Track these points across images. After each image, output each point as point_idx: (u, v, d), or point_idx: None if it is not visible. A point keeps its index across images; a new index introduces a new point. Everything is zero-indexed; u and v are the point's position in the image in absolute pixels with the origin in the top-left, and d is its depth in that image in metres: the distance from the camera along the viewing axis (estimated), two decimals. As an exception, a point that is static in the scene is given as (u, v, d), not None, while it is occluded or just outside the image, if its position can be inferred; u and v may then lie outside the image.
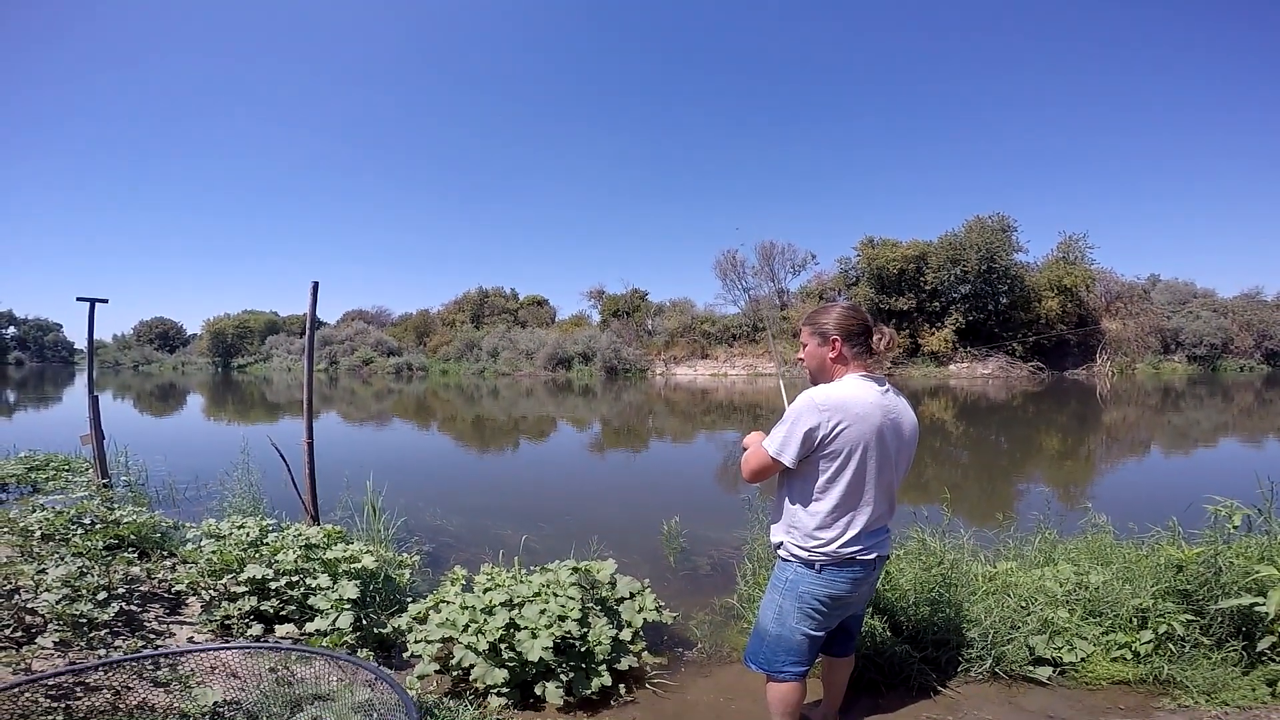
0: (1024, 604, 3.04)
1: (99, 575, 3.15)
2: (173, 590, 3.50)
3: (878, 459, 1.96)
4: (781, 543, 2.10)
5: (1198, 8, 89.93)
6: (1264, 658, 2.66)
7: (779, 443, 1.97)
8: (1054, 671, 2.81)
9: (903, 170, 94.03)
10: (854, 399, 1.94)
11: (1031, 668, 2.80)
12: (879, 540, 2.06)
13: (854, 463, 1.93)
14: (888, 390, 2.02)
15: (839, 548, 1.97)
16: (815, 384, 2.11)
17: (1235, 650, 2.70)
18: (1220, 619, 2.79)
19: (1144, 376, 33.58)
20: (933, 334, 36.02)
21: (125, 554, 3.71)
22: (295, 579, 3.34)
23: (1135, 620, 2.90)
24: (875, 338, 2.06)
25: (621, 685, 2.87)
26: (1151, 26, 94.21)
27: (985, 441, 13.03)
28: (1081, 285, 36.22)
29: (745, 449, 2.18)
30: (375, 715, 1.94)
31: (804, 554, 2.01)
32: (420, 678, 2.78)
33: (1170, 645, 2.76)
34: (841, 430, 1.91)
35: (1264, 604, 2.58)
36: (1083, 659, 2.82)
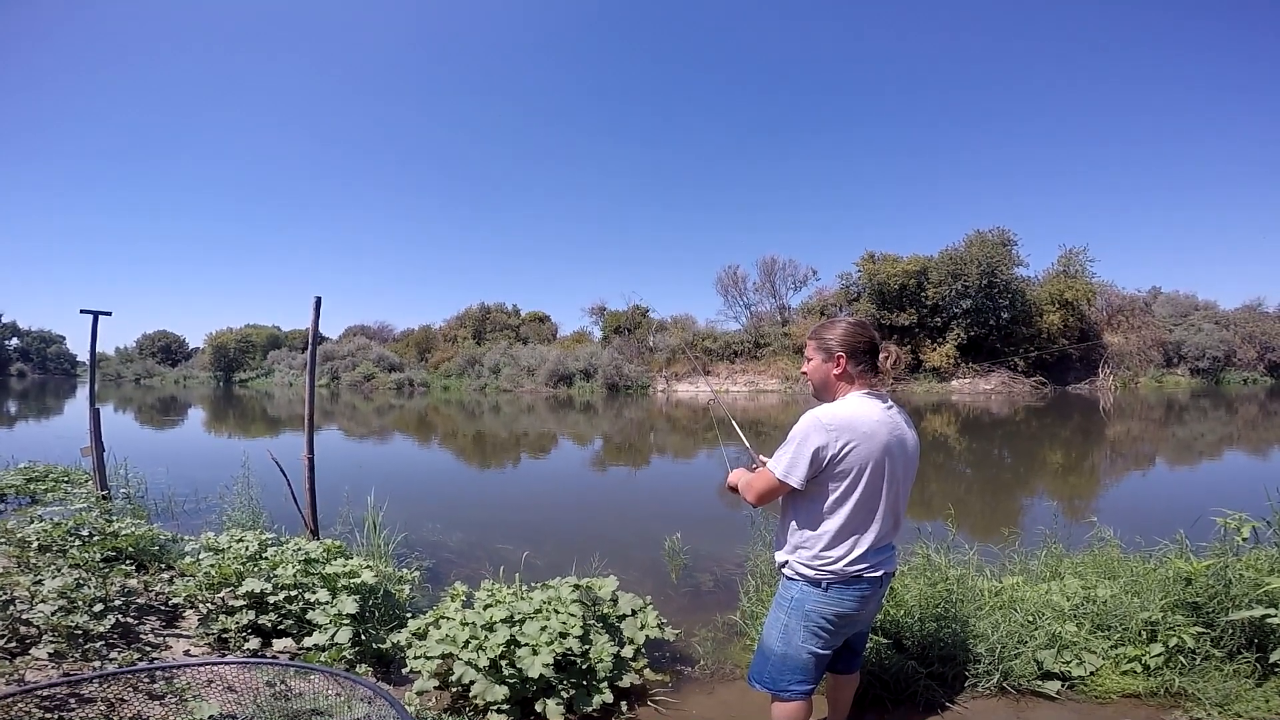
0: (1031, 618, 3.00)
1: (96, 587, 3.12)
2: (170, 603, 3.47)
3: (886, 477, 1.94)
4: (787, 561, 2.07)
5: (1198, 17, 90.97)
6: (1277, 669, 2.62)
7: (786, 464, 1.94)
8: (1063, 685, 2.77)
9: (903, 184, 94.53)
10: (860, 417, 1.92)
11: (1040, 682, 2.76)
12: (885, 557, 2.03)
13: (863, 482, 1.91)
14: (891, 407, 2.01)
15: (846, 566, 1.94)
16: (819, 400, 2.09)
17: (1248, 662, 2.67)
18: (1231, 631, 2.76)
19: (1147, 390, 33.49)
20: (934, 349, 36.00)
21: (123, 566, 3.68)
22: (294, 593, 3.31)
23: (1145, 633, 2.86)
24: (882, 356, 2.04)
25: (623, 702, 2.83)
26: (1151, 37, 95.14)
27: (989, 457, 12.96)
28: (1083, 299, 36.25)
29: (733, 487, 2.19)
30: (373, 730, 1.90)
31: (810, 572, 1.98)
32: (419, 694, 2.75)
33: (1181, 658, 2.72)
34: (850, 449, 1.88)
35: (1276, 615, 2.55)
36: (1092, 673, 2.79)
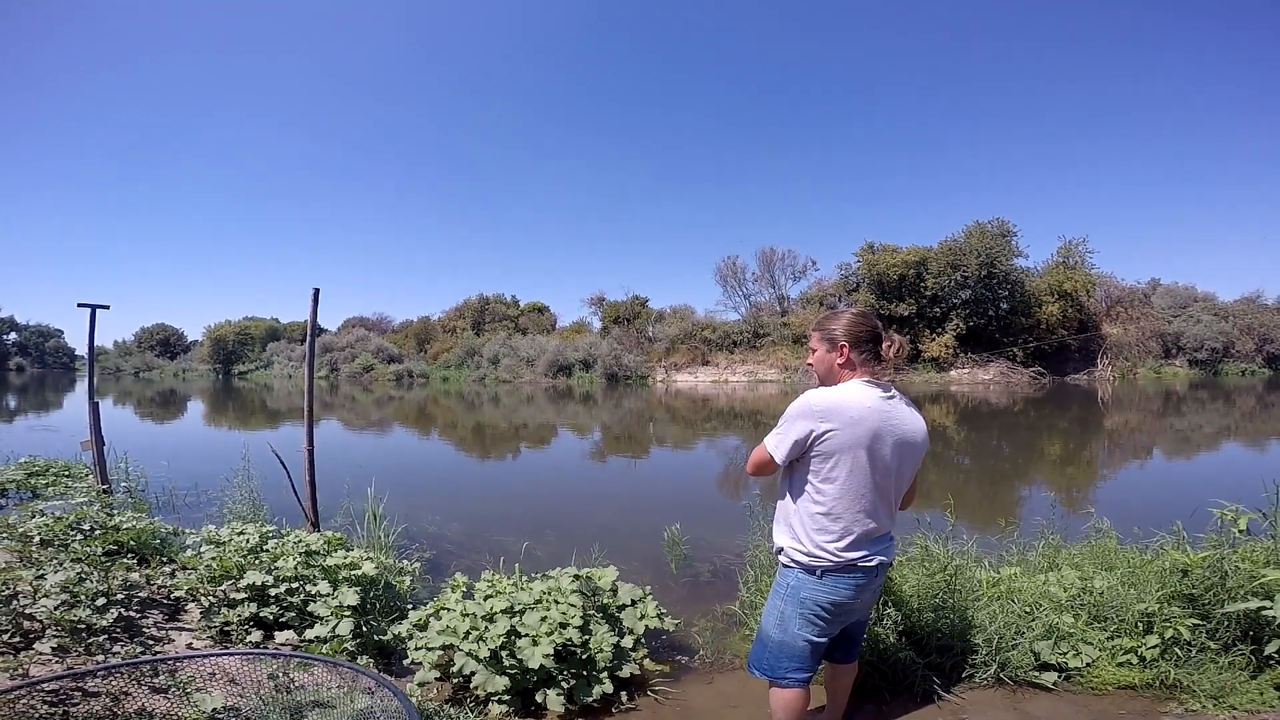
0: (1028, 609, 3.02)
1: (98, 581, 3.13)
2: (172, 596, 3.48)
3: (872, 464, 1.94)
4: (783, 547, 2.09)
5: (1197, 9, 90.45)
6: (1272, 661, 2.64)
7: (775, 441, 2.00)
8: (1059, 677, 2.79)
9: (902, 175, 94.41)
10: (850, 403, 1.93)
11: (1037, 673, 2.78)
12: (882, 547, 2.04)
13: (847, 467, 1.93)
14: (892, 396, 2.00)
15: (839, 553, 1.96)
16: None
17: (1243, 654, 2.68)
18: (1227, 623, 2.78)
19: (1145, 381, 33.55)
20: (933, 340, 36.01)
21: (125, 560, 3.69)
22: (295, 586, 3.32)
23: (1141, 625, 2.88)
24: (885, 344, 2.06)
25: (623, 692, 2.85)
26: (1150, 28, 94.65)
27: (987, 447, 13.00)
28: (1082, 290, 36.22)
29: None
30: (375, 722, 1.92)
31: (805, 559, 2.00)
32: (420, 685, 2.77)
33: (1177, 650, 2.74)
34: (832, 434, 1.91)
35: (1272, 608, 2.56)
36: (1088, 664, 2.80)
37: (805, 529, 2.00)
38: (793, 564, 2.05)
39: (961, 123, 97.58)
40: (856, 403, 1.93)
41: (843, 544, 1.96)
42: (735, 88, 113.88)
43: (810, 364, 2.17)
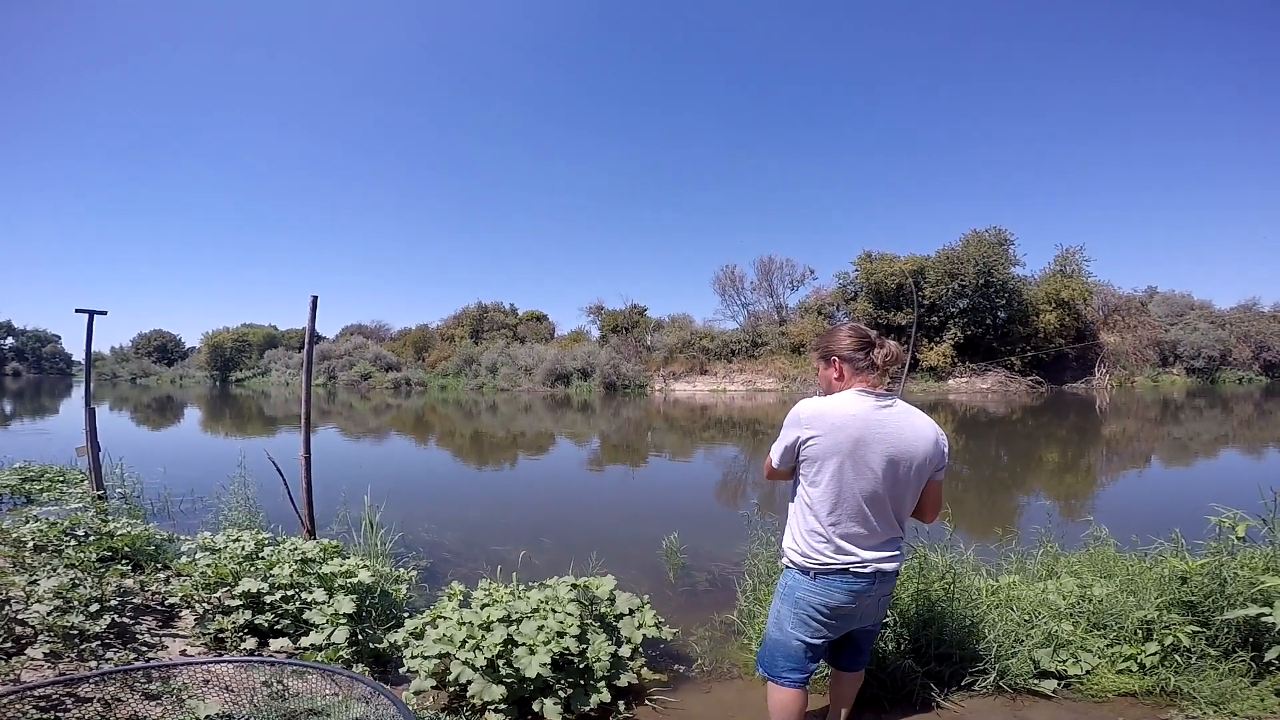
0: (1027, 617, 3.01)
1: (92, 587, 3.11)
2: (166, 603, 3.46)
3: (856, 471, 1.95)
4: (784, 548, 2.15)
5: (1197, 9, 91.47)
6: (1272, 668, 2.64)
7: (774, 448, 2.10)
8: (1059, 684, 2.78)
9: (901, 175, 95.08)
10: (834, 411, 1.97)
11: (1036, 681, 2.77)
12: (881, 555, 2.03)
13: (829, 472, 1.97)
14: (889, 405, 2.01)
15: (829, 555, 2.00)
16: None
17: (1243, 661, 2.68)
18: (1227, 630, 2.77)
19: (1143, 389, 33.61)
20: (931, 348, 36.07)
21: (119, 566, 3.66)
22: (290, 593, 3.30)
23: (1140, 632, 2.88)
24: (875, 350, 2.09)
25: (620, 702, 2.83)
26: (1150, 28, 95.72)
27: (985, 456, 12.99)
28: (1079, 298, 36.36)
29: None
30: (370, 730, 1.90)
31: (799, 559, 2.06)
32: (416, 693, 2.74)
33: (1176, 657, 2.73)
34: (815, 440, 1.97)
35: (1271, 614, 2.56)
36: (1088, 671, 2.80)
37: (800, 530, 2.06)
38: (790, 564, 2.12)
39: (961, 123, 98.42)
40: (841, 411, 1.97)
41: (831, 546, 1.99)
42: (735, 88, 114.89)
43: (819, 382, 2.27)
